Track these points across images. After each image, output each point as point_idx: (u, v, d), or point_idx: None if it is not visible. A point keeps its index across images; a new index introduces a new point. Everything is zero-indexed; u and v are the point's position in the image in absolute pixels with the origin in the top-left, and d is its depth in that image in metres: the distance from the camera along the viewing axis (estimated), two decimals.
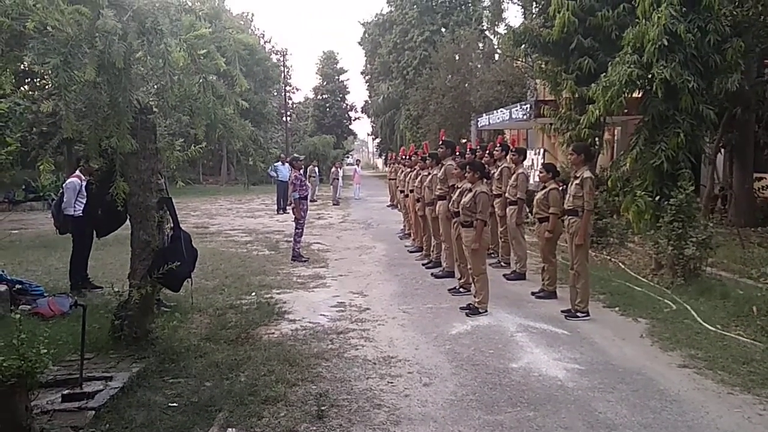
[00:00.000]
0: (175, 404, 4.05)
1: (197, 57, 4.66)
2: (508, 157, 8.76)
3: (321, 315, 6.36)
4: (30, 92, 16.51)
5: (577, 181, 6.22)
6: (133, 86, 4.50)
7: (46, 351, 3.50)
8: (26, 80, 18.72)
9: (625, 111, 10.70)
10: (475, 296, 6.48)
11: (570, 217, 6.33)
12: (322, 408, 3.90)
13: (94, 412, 3.85)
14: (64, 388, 4.13)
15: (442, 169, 8.22)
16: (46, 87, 14.93)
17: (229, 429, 3.70)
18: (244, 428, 3.70)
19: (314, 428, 3.68)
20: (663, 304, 6.54)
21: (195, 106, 4.96)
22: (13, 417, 3.34)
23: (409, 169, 11.22)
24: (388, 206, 19.18)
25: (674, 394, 4.18)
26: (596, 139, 11.14)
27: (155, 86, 4.87)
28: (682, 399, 4.11)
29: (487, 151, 9.60)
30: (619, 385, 4.34)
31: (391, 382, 4.45)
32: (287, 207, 14.70)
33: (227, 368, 4.69)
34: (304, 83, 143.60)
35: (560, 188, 6.95)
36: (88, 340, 4.54)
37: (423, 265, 9.14)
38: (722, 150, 12.60)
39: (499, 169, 8.66)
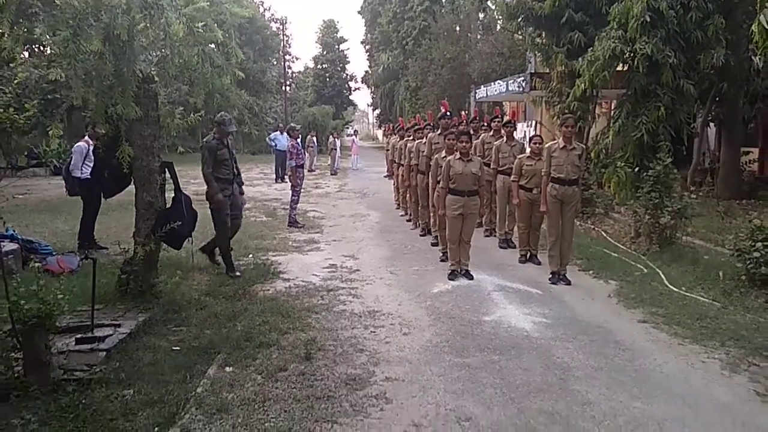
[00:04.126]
0: (177, 348, 4.48)
1: (195, 29, 4.98)
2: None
3: (313, 275, 6.78)
4: (32, 59, 16.65)
5: (578, 152, 6.56)
6: (136, 57, 4.81)
7: (62, 296, 3.91)
8: (26, 47, 18.89)
9: (620, 85, 10.95)
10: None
11: (573, 186, 6.54)
12: (310, 351, 4.34)
13: (105, 352, 4.28)
14: (77, 334, 4.56)
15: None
16: (45, 54, 15.10)
17: (227, 368, 4.15)
18: (240, 367, 4.14)
19: (302, 367, 4.12)
20: (635, 269, 6.95)
21: (194, 76, 5.30)
22: (34, 353, 3.77)
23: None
24: (384, 176, 19.51)
25: (628, 344, 4.61)
26: (585, 112, 11.40)
27: (156, 57, 5.18)
28: (635, 348, 4.54)
29: (484, 123, 9.92)
30: (580, 336, 4.77)
31: (374, 332, 4.89)
32: (285, 176, 15.01)
33: (225, 319, 5.12)
34: (303, 52, 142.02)
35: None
36: (96, 294, 4.94)
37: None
38: (711, 124, 12.90)
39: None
